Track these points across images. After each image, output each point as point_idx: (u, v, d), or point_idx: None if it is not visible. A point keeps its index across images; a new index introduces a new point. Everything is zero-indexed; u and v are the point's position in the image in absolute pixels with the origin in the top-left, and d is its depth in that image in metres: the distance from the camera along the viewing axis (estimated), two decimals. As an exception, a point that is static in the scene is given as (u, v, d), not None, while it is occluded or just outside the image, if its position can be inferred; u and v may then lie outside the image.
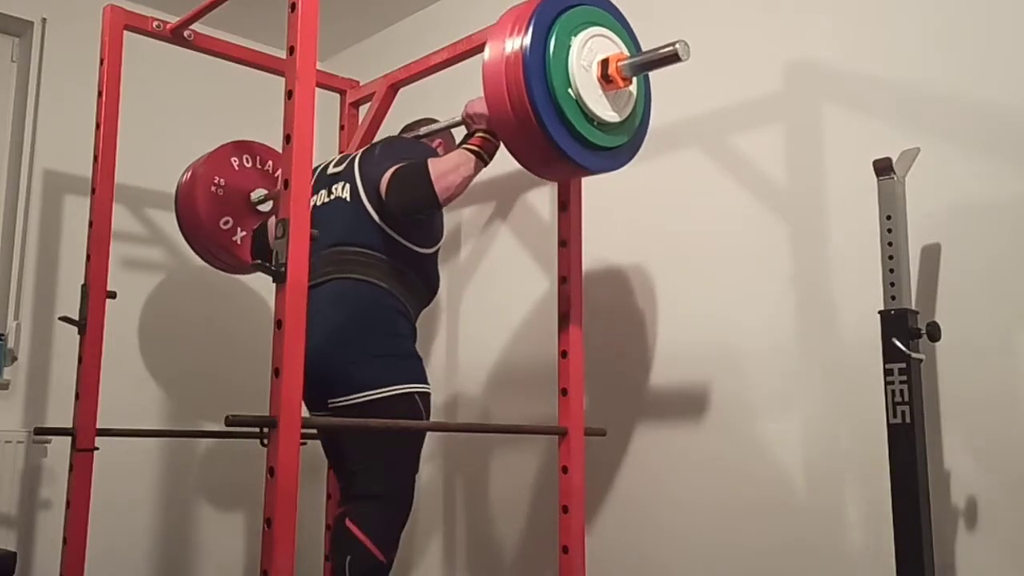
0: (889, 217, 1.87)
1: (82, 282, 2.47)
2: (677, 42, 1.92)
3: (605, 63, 1.99)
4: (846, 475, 2.08)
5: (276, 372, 1.73)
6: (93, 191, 2.50)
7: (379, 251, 2.19)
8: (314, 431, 2.27)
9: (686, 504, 2.37)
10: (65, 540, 2.34)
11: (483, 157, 2.17)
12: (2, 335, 3.01)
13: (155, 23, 2.63)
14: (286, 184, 1.80)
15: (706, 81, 2.47)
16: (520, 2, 2.03)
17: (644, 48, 2.11)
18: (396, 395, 2.11)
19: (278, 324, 1.75)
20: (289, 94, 1.83)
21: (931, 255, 1.99)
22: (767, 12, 2.38)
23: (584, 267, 2.33)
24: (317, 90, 1.88)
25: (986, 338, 1.91)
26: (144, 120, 2.93)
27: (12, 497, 2.95)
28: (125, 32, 2.57)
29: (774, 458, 2.21)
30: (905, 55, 2.10)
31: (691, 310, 2.43)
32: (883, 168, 1.89)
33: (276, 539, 1.67)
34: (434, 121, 2.62)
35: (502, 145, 2.11)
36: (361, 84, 3.11)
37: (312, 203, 2.39)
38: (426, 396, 2.19)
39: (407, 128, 2.66)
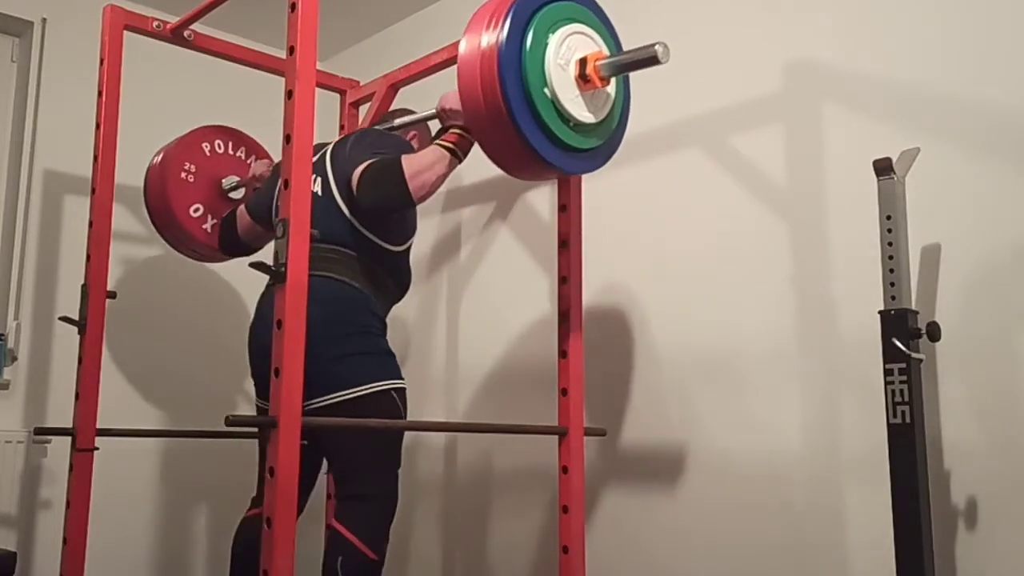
0: (889, 217, 1.87)
1: (82, 282, 2.47)
2: (657, 43, 1.88)
3: (583, 62, 1.94)
4: (846, 475, 2.08)
5: (276, 372, 1.73)
6: (93, 191, 2.50)
7: (350, 248, 2.16)
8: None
9: (686, 504, 2.37)
10: (65, 540, 2.34)
11: (458, 155, 2.12)
12: (2, 335, 3.02)
13: (155, 23, 2.63)
14: (286, 184, 1.80)
15: (706, 81, 2.47)
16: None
17: (627, 47, 2.06)
18: (373, 393, 2.09)
19: (278, 324, 1.75)
20: (289, 94, 1.83)
21: (931, 255, 1.99)
22: (767, 12, 2.38)
23: (584, 267, 2.33)
24: (317, 90, 1.88)
25: (986, 338, 1.90)
26: (144, 120, 2.93)
27: (12, 497, 2.95)
28: (125, 32, 2.57)
29: (774, 458, 2.21)
30: (905, 55, 2.10)
31: (691, 309, 2.43)
32: (883, 168, 1.89)
33: (276, 539, 1.67)
34: (409, 112, 2.58)
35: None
36: (361, 84, 3.11)
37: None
38: (402, 391, 2.17)
39: (382, 119, 2.62)
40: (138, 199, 2.95)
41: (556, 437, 2.27)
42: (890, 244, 1.86)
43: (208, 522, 3.36)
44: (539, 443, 2.59)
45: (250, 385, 2.37)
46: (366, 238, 2.19)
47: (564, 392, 2.25)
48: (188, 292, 3.39)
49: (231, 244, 2.63)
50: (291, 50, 1.85)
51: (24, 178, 3.12)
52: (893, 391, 1.80)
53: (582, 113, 1.95)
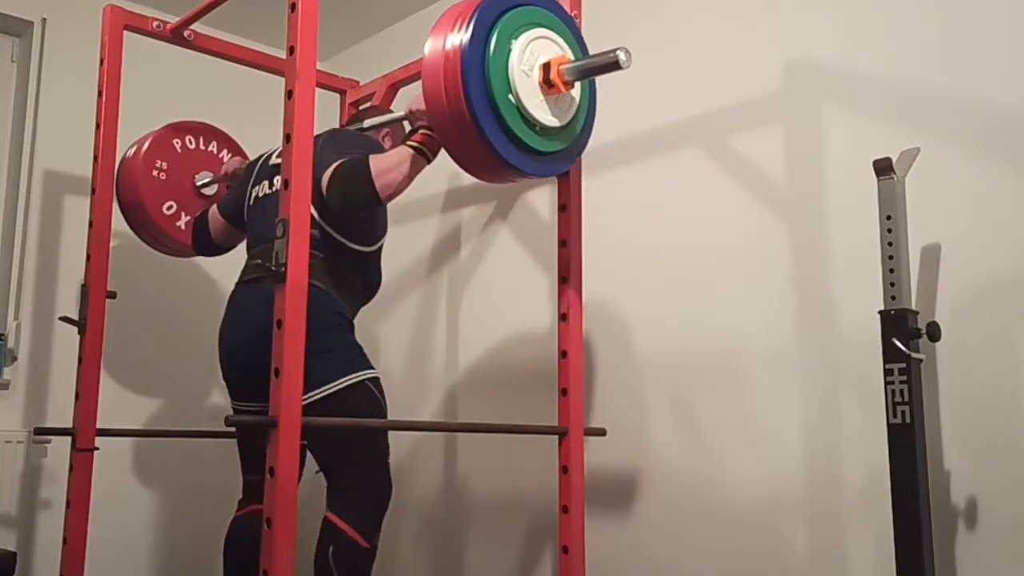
0: (889, 217, 1.87)
1: (82, 282, 2.47)
2: (618, 49, 1.88)
3: (547, 67, 1.94)
4: (846, 475, 2.08)
5: (276, 372, 1.73)
6: (93, 191, 2.50)
7: (318, 249, 2.11)
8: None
9: (686, 504, 2.37)
10: (65, 540, 2.34)
11: (427, 154, 2.11)
12: (2, 335, 3.02)
13: (155, 23, 2.63)
14: (286, 184, 1.80)
15: (706, 81, 2.47)
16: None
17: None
18: (348, 386, 2.10)
19: (278, 324, 1.75)
20: (289, 94, 1.84)
21: (931, 255, 1.99)
22: (767, 12, 2.38)
23: (584, 267, 2.33)
24: (317, 90, 1.88)
25: (986, 338, 1.90)
26: (144, 120, 2.93)
27: (12, 497, 2.95)
28: (125, 32, 2.58)
29: (773, 458, 2.21)
30: (905, 55, 2.09)
31: (691, 309, 2.43)
32: (883, 168, 1.89)
33: (276, 539, 1.67)
34: (380, 111, 2.57)
35: None
36: (361, 84, 3.11)
37: (253, 195, 2.36)
38: (376, 380, 2.17)
39: (354, 118, 2.61)
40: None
41: (556, 437, 2.27)
42: (890, 244, 1.86)
43: (208, 522, 3.35)
44: (539, 443, 2.59)
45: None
46: (334, 239, 2.19)
47: (564, 392, 2.25)
48: (188, 292, 3.39)
49: (204, 245, 2.60)
50: (291, 50, 1.85)
51: (24, 178, 3.12)
52: (893, 391, 1.80)
53: (546, 117, 1.95)
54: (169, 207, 2.79)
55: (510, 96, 1.89)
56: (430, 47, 1.91)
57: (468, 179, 3.14)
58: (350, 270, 2.24)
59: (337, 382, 2.09)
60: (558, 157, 2.04)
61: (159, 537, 3.26)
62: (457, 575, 2.98)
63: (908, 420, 1.78)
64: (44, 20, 3.20)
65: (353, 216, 2.20)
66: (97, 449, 2.39)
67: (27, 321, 3.06)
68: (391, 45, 3.54)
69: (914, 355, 1.80)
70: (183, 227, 2.79)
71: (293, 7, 1.87)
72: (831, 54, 2.23)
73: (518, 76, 1.90)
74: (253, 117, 3.06)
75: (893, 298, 1.84)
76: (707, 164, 2.46)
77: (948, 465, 1.92)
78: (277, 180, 2.24)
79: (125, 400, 3.18)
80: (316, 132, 1.88)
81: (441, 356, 3.14)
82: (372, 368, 2.19)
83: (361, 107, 2.79)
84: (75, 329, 2.47)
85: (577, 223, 2.32)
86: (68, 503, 2.35)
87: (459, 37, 1.86)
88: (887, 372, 1.81)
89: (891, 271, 1.85)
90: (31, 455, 2.99)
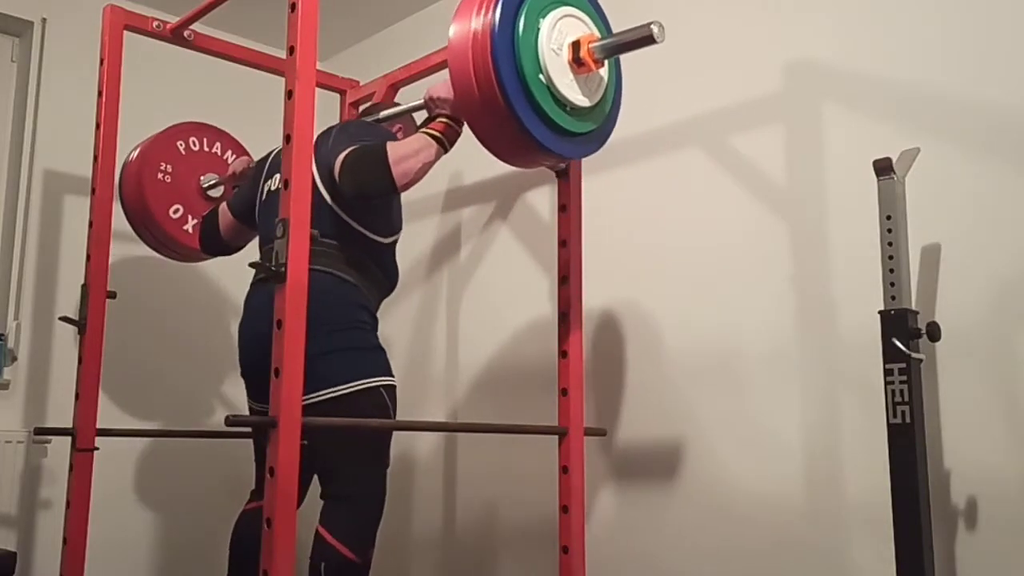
0: (889, 217, 1.87)
1: (82, 282, 2.47)
2: (652, 23, 1.85)
3: (576, 45, 1.91)
4: (846, 475, 2.08)
5: (276, 372, 1.73)
6: (93, 191, 2.50)
7: (335, 239, 2.10)
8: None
9: (686, 504, 2.37)
10: (65, 540, 2.34)
11: (444, 143, 2.07)
12: (2, 335, 3.02)
13: (155, 23, 2.63)
14: (286, 184, 1.80)
15: (706, 81, 2.47)
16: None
17: (615, 29, 2.04)
18: (362, 390, 2.05)
19: (278, 324, 1.75)
20: (289, 94, 1.84)
21: (931, 255, 1.99)
22: (767, 12, 2.38)
23: (584, 267, 2.33)
24: (317, 90, 1.88)
25: (986, 338, 1.91)
26: (144, 120, 2.93)
27: (12, 497, 2.95)
28: (125, 32, 2.57)
29: (773, 457, 2.21)
30: (905, 55, 2.10)
31: (691, 309, 2.43)
32: (883, 168, 1.89)
33: (276, 539, 1.67)
34: (395, 104, 2.53)
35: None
36: (361, 84, 3.11)
37: (265, 189, 2.30)
38: (391, 388, 2.12)
39: (366, 112, 2.57)
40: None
41: (556, 437, 2.27)
42: (890, 244, 1.86)
43: (208, 522, 3.36)
44: (539, 443, 2.59)
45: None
46: (351, 228, 2.13)
47: (564, 392, 2.25)
48: (188, 292, 3.39)
49: (213, 244, 2.55)
50: (291, 50, 1.85)
51: (24, 178, 3.12)
52: (893, 391, 1.80)
53: (577, 97, 1.92)
54: (175, 210, 2.76)
55: (540, 76, 1.85)
56: (455, 30, 1.87)
57: (468, 179, 3.14)
58: (371, 261, 2.18)
59: (353, 384, 2.04)
60: (589, 138, 2.01)
61: (159, 537, 3.26)
62: (457, 575, 2.98)
63: (908, 420, 1.78)
64: (44, 20, 3.20)
65: (367, 204, 2.14)
66: (97, 449, 2.38)
67: (27, 321, 3.06)
68: (391, 45, 3.54)
69: (914, 355, 1.80)
70: (190, 230, 2.76)
71: (293, 7, 1.87)
72: (831, 54, 2.23)
73: (548, 55, 1.86)
74: (253, 117, 3.06)
75: (893, 298, 1.84)
76: (707, 164, 2.46)
77: (948, 465, 1.92)
78: None
79: (125, 400, 3.18)
80: (316, 132, 1.88)
81: (441, 356, 3.14)
82: (391, 375, 2.14)
83: (362, 107, 2.78)
84: (75, 329, 2.47)
85: (577, 223, 2.33)
86: (68, 503, 2.35)
87: (487, 18, 1.82)
88: (887, 372, 1.81)
89: (891, 271, 1.85)
90: (31, 455, 2.99)
